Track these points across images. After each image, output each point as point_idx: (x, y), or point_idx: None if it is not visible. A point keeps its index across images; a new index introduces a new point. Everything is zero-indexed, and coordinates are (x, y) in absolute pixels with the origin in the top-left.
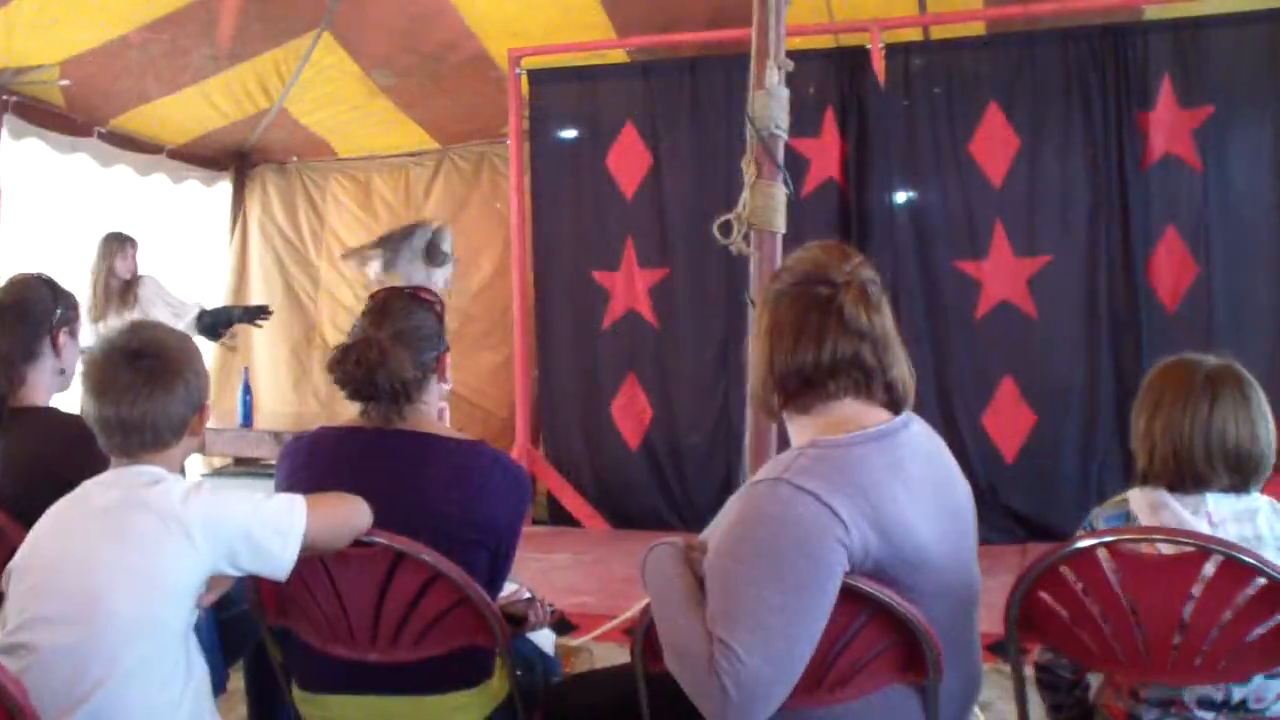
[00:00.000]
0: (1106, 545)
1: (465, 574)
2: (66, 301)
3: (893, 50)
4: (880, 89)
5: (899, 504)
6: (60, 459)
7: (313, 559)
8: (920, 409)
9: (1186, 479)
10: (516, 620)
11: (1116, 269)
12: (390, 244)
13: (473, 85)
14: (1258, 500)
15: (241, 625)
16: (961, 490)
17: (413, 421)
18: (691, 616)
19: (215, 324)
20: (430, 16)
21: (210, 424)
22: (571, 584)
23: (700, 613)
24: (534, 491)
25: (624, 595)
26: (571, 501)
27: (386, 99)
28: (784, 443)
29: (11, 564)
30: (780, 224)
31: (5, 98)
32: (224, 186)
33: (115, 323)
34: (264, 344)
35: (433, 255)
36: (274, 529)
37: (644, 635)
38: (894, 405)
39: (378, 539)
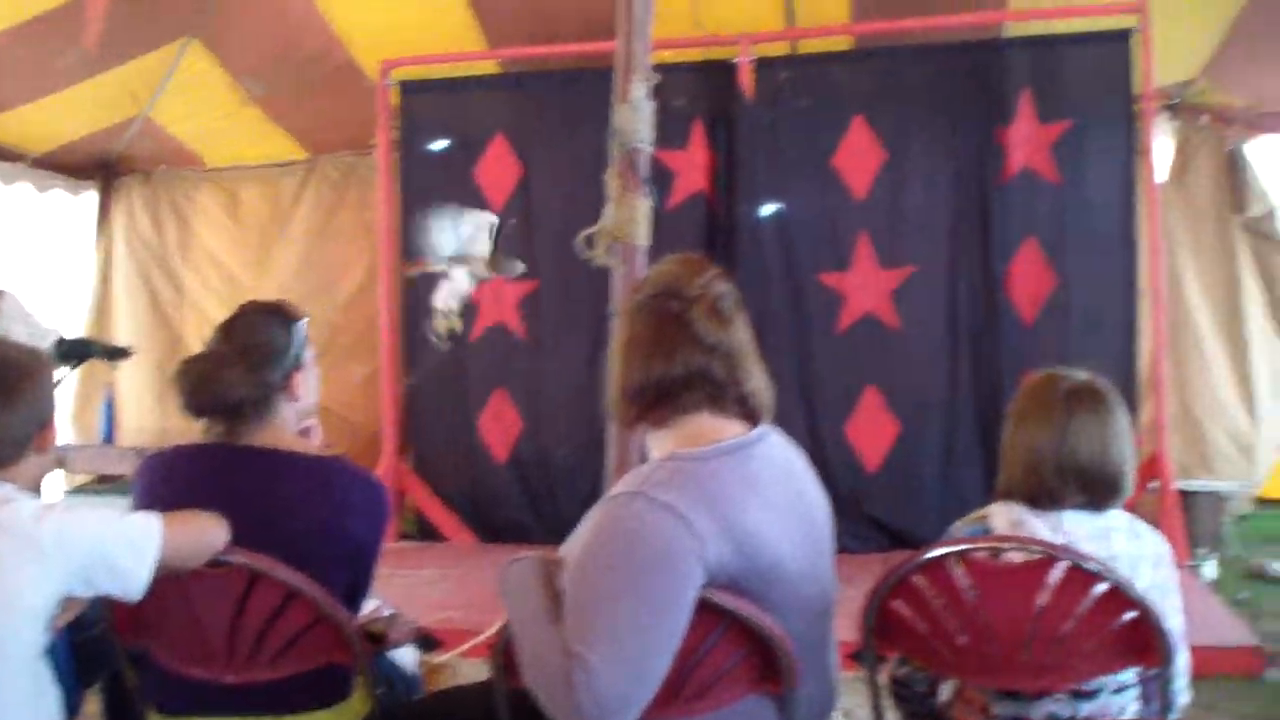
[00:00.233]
0: (959, 555)
1: (324, 592)
2: None
3: (761, 64)
4: (748, 102)
5: (755, 517)
6: None
7: (168, 578)
8: (784, 419)
9: (1042, 495)
10: (377, 638)
11: (977, 281)
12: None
13: (343, 95)
14: (1115, 519)
15: (97, 648)
16: (818, 502)
17: (266, 438)
18: (549, 632)
19: (71, 354)
20: (301, 25)
21: (72, 440)
22: (438, 599)
23: (557, 628)
24: (402, 506)
25: (491, 610)
26: (439, 516)
27: (256, 108)
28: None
29: None
30: (644, 237)
31: None
32: (90, 196)
33: None
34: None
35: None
36: (129, 547)
37: (503, 651)
38: (751, 418)
39: (233, 558)
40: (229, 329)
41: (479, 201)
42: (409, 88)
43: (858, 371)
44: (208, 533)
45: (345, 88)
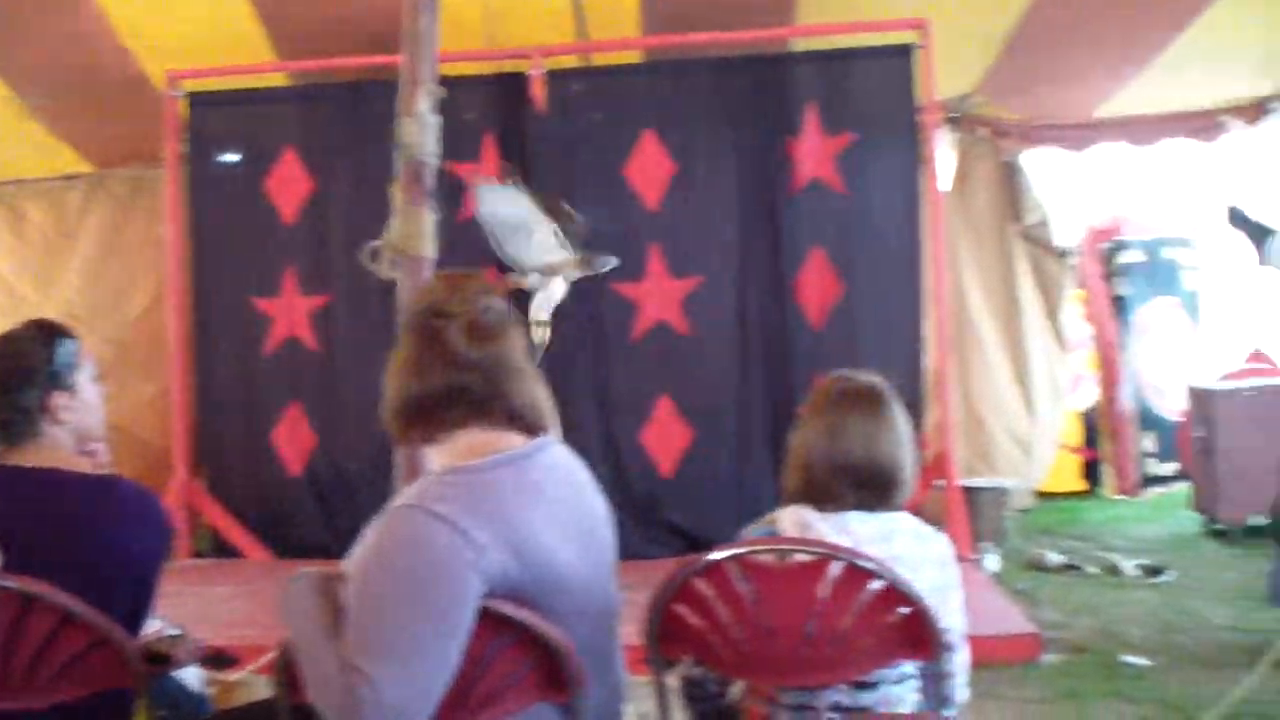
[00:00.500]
0: (739, 558)
1: (101, 614)
2: None
3: (552, 76)
4: (539, 115)
5: (535, 526)
6: None
7: None
8: (581, 428)
9: (822, 496)
10: (161, 659)
11: (767, 289)
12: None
13: (130, 107)
14: (900, 521)
15: None
16: (599, 511)
17: (39, 458)
18: (329, 647)
19: None
20: (85, 35)
21: None
22: (233, 617)
23: (338, 643)
24: (196, 524)
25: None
26: (234, 533)
27: (38, 120)
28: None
29: None
30: (428, 249)
31: None
32: None
33: None
34: None
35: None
36: None
37: (284, 668)
38: (527, 429)
39: (5, 582)
40: None
41: (271, 215)
42: (197, 100)
43: (651, 379)
44: None
45: (132, 100)
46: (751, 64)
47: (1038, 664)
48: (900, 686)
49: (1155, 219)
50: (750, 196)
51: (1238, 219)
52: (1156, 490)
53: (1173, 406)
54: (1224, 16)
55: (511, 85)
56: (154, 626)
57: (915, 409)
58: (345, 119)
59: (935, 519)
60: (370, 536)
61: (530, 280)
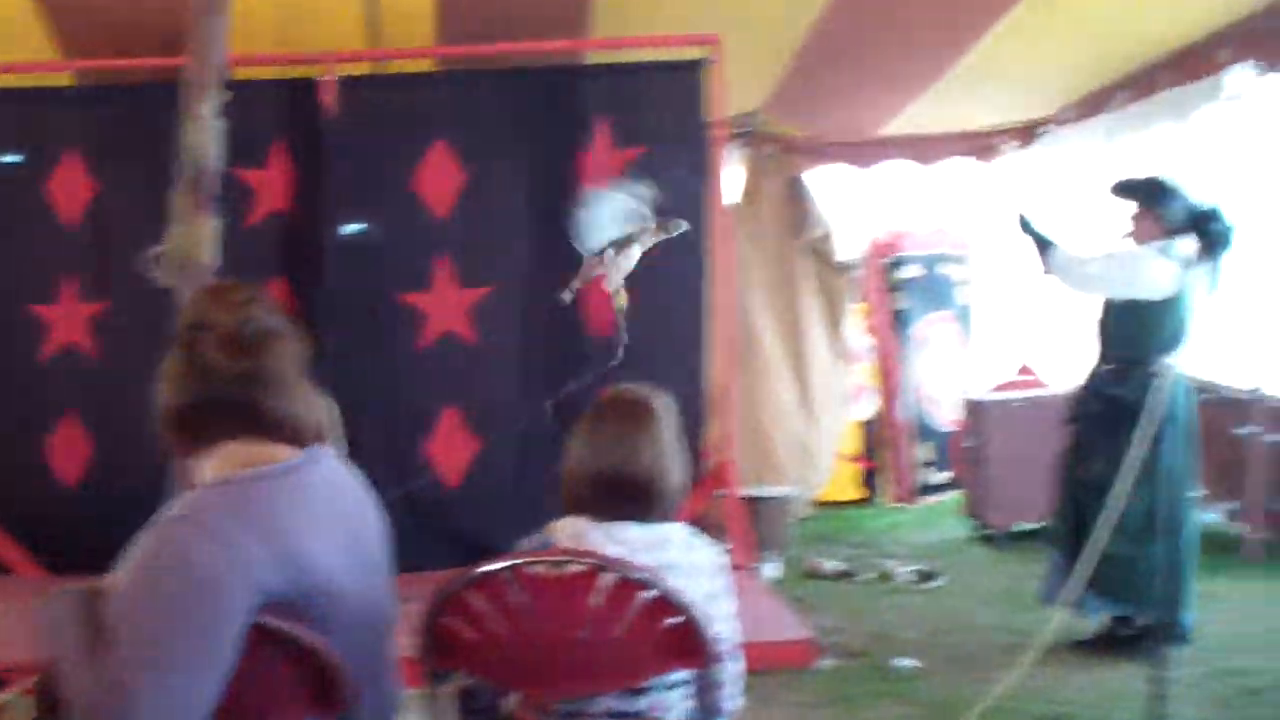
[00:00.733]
0: (512, 569)
1: None
2: None
3: (344, 83)
4: (330, 121)
5: (306, 539)
6: None
7: None
8: (368, 438)
9: (593, 506)
10: None
11: (555, 300)
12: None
13: None
14: (672, 530)
15: None
16: (373, 523)
17: None
18: (91, 664)
19: None
20: None
21: None
22: (2, 636)
23: (102, 659)
24: None
25: None
26: (3, 548)
27: None
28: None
29: None
30: (209, 256)
31: None
32: None
33: None
34: None
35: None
36: None
37: (47, 688)
38: (296, 441)
39: None
40: None
41: (51, 219)
42: None
43: (438, 390)
44: None
45: None
46: (544, 76)
47: (814, 669)
48: (673, 692)
49: (933, 236)
50: (540, 208)
51: (1026, 226)
52: (931, 498)
53: (947, 417)
54: (1000, 44)
55: (303, 91)
56: None
57: (698, 419)
58: (130, 122)
59: (717, 528)
60: (137, 549)
61: (606, 255)
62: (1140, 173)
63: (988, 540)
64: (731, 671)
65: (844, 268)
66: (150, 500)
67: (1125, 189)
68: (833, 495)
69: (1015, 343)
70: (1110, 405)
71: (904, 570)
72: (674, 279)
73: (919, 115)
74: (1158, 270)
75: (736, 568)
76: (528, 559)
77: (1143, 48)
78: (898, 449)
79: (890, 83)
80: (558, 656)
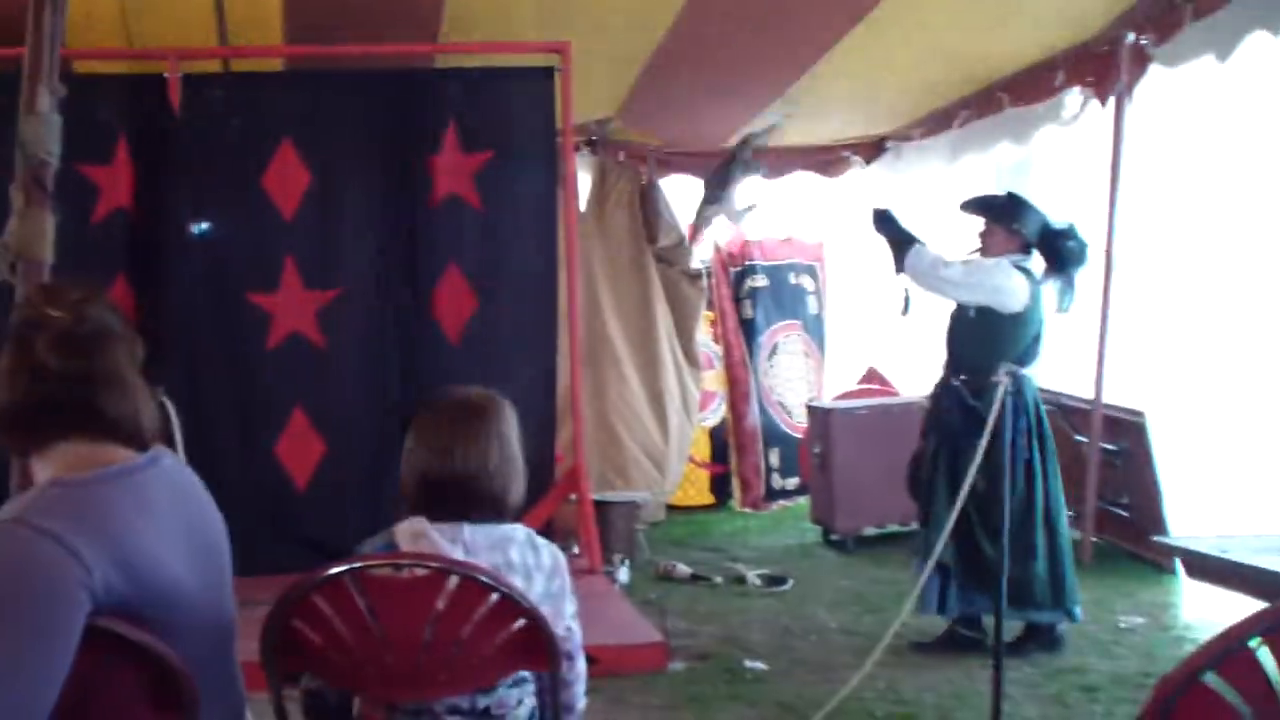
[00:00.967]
0: (355, 572)
1: None
2: None
3: (191, 80)
4: (177, 118)
5: (144, 541)
6: None
7: None
8: (215, 440)
9: (431, 507)
10: None
11: (404, 302)
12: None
13: None
14: (514, 531)
15: None
16: (215, 525)
17: None
18: None
19: None
20: None
21: None
22: None
23: None
24: None
25: None
26: None
27: None
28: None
29: None
30: (47, 253)
31: None
32: None
33: None
34: None
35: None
36: None
37: None
38: (133, 442)
39: None
40: None
41: None
42: None
43: (286, 391)
44: None
45: None
46: (395, 78)
47: (665, 672)
48: (517, 688)
49: (782, 246)
50: (389, 210)
51: (887, 220)
52: (780, 504)
53: (796, 424)
54: (846, 60)
55: (149, 86)
56: None
57: (548, 424)
58: None
59: (568, 532)
60: None
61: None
62: (985, 189)
63: (835, 545)
64: (577, 670)
65: (695, 276)
66: None
67: (978, 204)
68: (683, 500)
69: (862, 352)
70: (969, 416)
71: (753, 574)
72: (524, 284)
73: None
74: (1013, 282)
75: (588, 572)
76: (372, 562)
77: (986, 69)
78: (747, 455)
79: (738, 96)
80: (404, 660)
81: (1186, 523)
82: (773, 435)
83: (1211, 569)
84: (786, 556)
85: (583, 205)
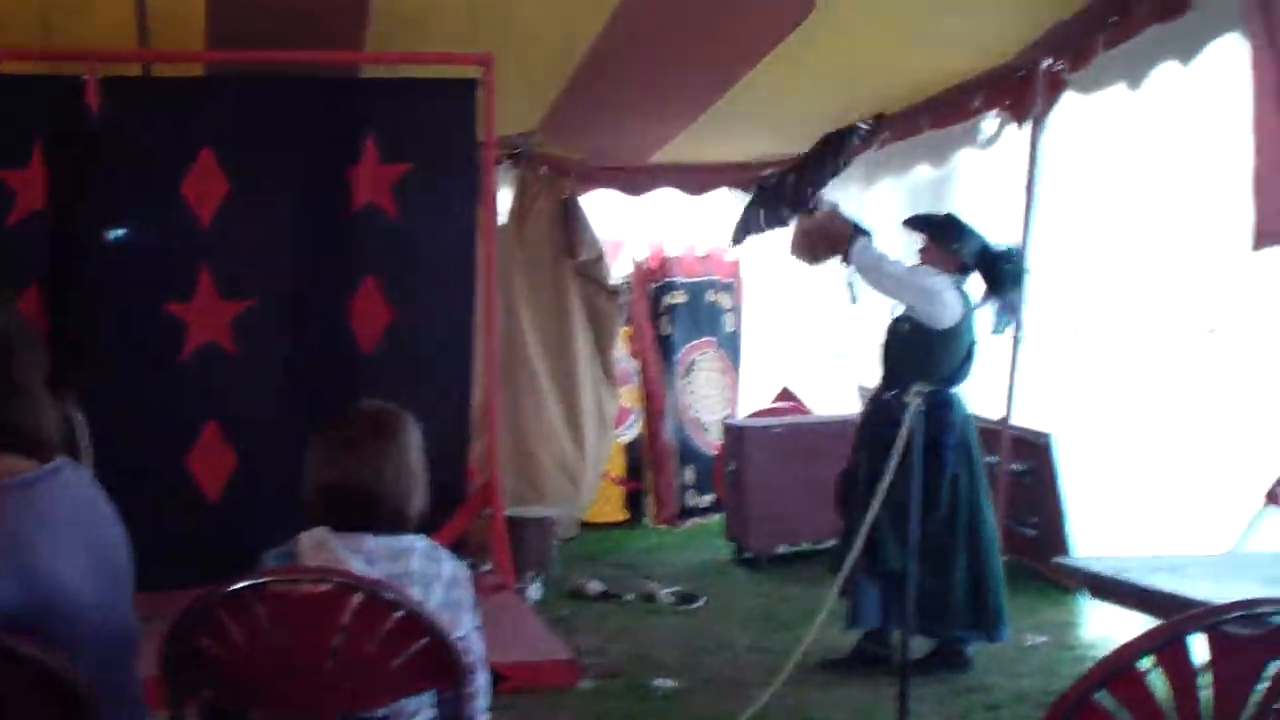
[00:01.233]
0: (259, 587)
1: None
2: None
3: (111, 84)
4: (95, 122)
5: (42, 554)
6: None
7: None
8: (127, 450)
9: (329, 518)
10: None
11: (320, 313)
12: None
13: None
14: (415, 541)
15: None
16: (117, 538)
17: None
18: None
19: None
20: None
21: None
22: None
23: None
24: None
25: None
26: None
27: None
28: None
29: None
30: None
31: None
32: None
33: None
34: None
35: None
36: None
37: None
38: (35, 453)
39: None
40: None
41: None
42: None
43: (198, 402)
44: None
45: None
46: (317, 87)
47: (575, 689)
48: (415, 699)
49: (700, 263)
50: (307, 220)
51: (839, 212)
52: (694, 521)
53: (711, 441)
54: (766, 78)
55: (68, 90)
56: None
57: (462, 438)
58: None
59: (481, 547)
60: None
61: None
62: (900, 211)
63: (748, 563)
64: (478, 684)
65: (613, 291)
66: None
67: (920, 222)
68: (598, 517)
69: (779, 370)
70: (897, 432)
71: (665, 592)
72: (441, 297)
73: (688, 146)
74: (949, 295)
75: (500, 588)
76: (275, 577)
77: (904, 91)
78: (662, 472)
79: (659, 113)
80: (305, 676)
81: (1095, 543)
82: (688, 452)
83: (1110, 589)
84: (699, 574)
85: (503, 219)
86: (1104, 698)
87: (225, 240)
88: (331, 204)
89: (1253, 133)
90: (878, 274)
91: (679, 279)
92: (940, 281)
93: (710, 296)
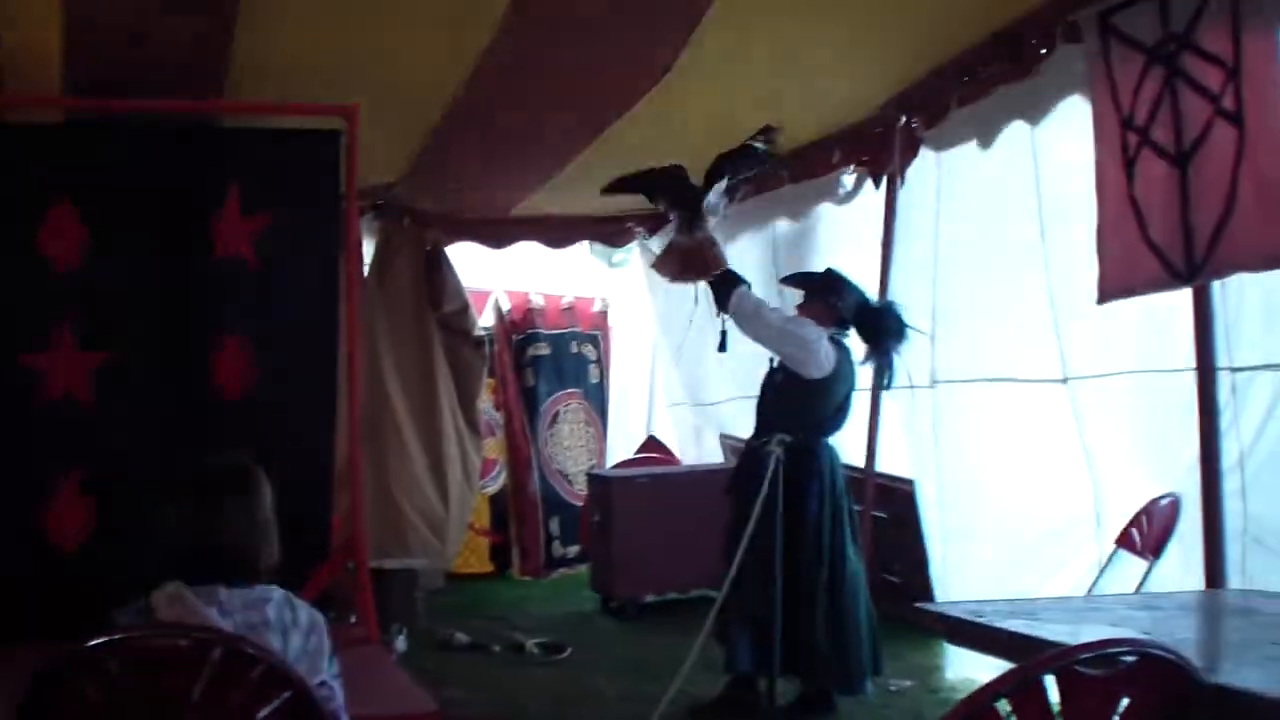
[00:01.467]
0: (115, 644)
1: None
2: None
3: None
4: None
5: None
6: None
7: None
8: None
9: (182, 571)
10: None
11: (180, 364)
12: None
13: None
14: (271, 592)
15: None
16: None
17: None
18: None
19: None
20: None
21: None
22: None
23: None
24: None
25: None
26: None
27: None
28: None
29: None
30: None
31: None
32: None
33: None
34: None
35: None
36: None
37: None
38: None
39: None
40: None
41: None
42: None
43: (55, 456)
44: None
45: None
46: (177, 135)
47: None
48: None
49: (564, 315)
50: (169, 271)
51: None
52: (561, 571)
53: (576, 492)
54: (631, 134)
55: None
56: None
57: (325, 490)
58: None
59: (346, 601)
60: None
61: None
62: (757, 267)
63: (614, 613)
64: None
65: (478, 343)
66: None
67: (798, 279)
68: (464, 568)
69: (645, 420)
70: (774, 481)
71: (533, 642)
72: (303, 349)
73: (550, 199)
74: (823, 345)
75: (364, 641)
76: (131, 633)
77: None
78: (527, 523)
79: (521, 166)
80: None
81: (959, 588)
82: (553, 503)
83: (967, 634)
84: (565, 624)
85: (366, 270)
86: None
87: (84, 291)
88: (193, 254)
89: (1094, 192)
90: (756, 322)
91: (543, 330)
92: (816, 332)
93: (575, 348)
